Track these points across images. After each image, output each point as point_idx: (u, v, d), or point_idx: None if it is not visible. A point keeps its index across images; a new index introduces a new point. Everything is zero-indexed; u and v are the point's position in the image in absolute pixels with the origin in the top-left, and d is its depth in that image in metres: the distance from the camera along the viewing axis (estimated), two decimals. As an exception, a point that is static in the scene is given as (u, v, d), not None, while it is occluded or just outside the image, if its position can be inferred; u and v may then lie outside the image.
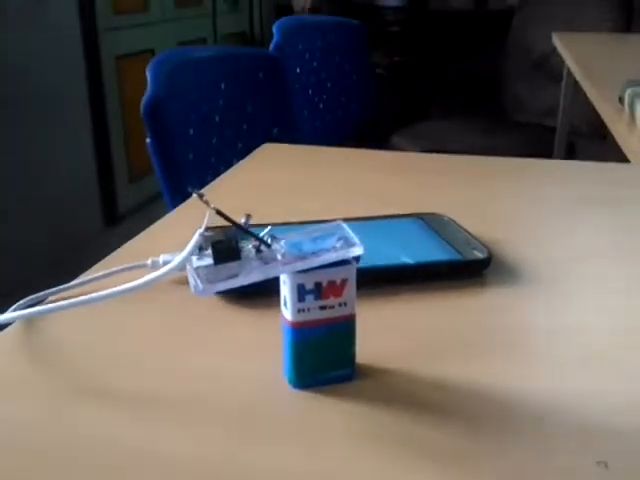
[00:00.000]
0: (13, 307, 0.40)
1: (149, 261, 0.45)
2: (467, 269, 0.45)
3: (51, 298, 0.43)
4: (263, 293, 0.41)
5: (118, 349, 0.38)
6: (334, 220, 0.47)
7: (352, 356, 0.35)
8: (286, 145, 0.76)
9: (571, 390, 0.35)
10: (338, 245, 0.33)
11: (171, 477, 0.29)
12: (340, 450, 0.30)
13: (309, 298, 0.33)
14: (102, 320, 0.41)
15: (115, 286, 0.37)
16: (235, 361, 0.37)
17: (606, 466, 0.29)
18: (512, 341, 0.39)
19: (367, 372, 0.36)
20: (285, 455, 0.30)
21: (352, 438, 0.31)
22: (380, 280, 0.44)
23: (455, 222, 0.51)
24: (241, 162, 0.71)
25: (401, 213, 0.53)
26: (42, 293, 0.42)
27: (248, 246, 0.33)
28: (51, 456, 0.30)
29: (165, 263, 0.45)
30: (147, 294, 0.43)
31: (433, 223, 0.51)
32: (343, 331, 0.35)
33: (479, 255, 0.45)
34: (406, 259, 0.45)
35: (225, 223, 0.34)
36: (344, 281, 0.33)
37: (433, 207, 0.55)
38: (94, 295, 0.36)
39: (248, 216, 0.34)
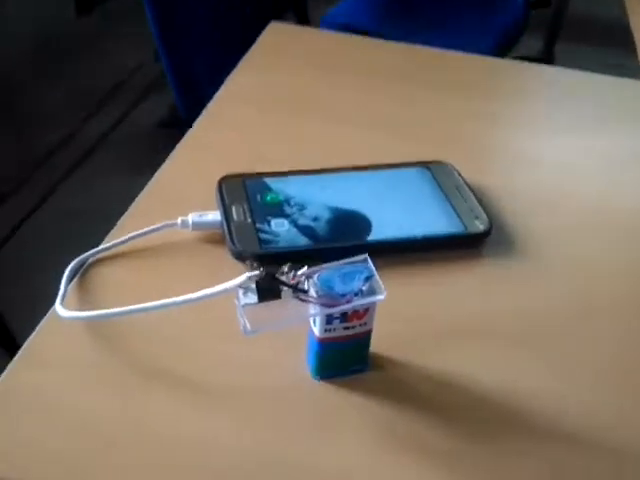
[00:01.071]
0: (65, 276, 0.45)
1: (179, 220, 0.49)
2: (468, 241, 0.50)
3: (90, 260, 0.47)
4: (289, 260, 0.45)
5: (165, 332, 0.43)
6: (344, 169, 0.51)
7: (367, 355, 0.42)
8: (292, 28, 0.75)
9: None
10: (364, 289, 0.38)
11: (209, 460, 0.36)
12: (352, 442, 0.38)
13: (336, 322, 0.39)
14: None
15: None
16: (263, 350, 0.42)
17: None
18: (511, 326, 0.45)
19: (377, 362, 0.42)
20: (304, 443, 0.37)
21: (362, 431, 0.38)
22: (385, 251, 0.48)
23: (458, 173, 0.55)
24: (245, 58, 0.70)
25: (407, 161, 0.56)
26: (82, 256, 0.47)
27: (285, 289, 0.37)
28: (119, 442, 0.37)
29: (195, 223, 0.49)
30: (183, 253, 0.47)
31: (438, 175, 0.54)
32: (362, 342, 0.41)
33: (480, 227, 0.50)
34: (412, 230, 0.49)
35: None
36: (366, 310, 0.38)
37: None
38: (168, 301, 0.41)
39: (291, 267, 0.38)
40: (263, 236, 0.48)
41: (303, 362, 0.41)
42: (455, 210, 0.51)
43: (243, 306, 0.37)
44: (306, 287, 0.37)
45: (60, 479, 0.35)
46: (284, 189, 0.52)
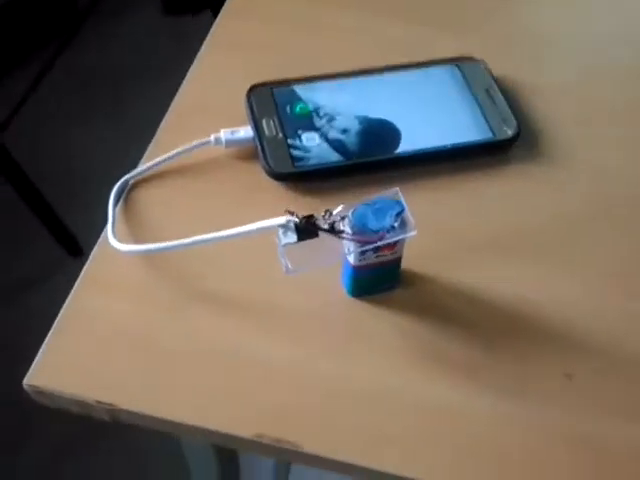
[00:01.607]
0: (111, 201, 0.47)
1: (212, 138, 0.50)
2: (497, 147, 0.51)
3: (131, 182, 0.49)
4: (322, 177, 0.49)
5: (209, 254, 0.45)
6: (373, 70, 0.51)
7: (398, 274, 0.45)
8: None
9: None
10: (396, 225, 0.40)
11: (245, 371, 0.40)
12: (381, 357, 0.41)
13: (369, 253, 0.41)
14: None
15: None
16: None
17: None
18: (537, 238, 0.47)
19: (408, 279, 0.45)
20: (336, 357, 0.41)
21: (392, 346, 0.42)
22: (414, 162, 0.50)
23: (489, 71, 0.54)
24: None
25: (438, 58, 0.55)
26: (123, 179, 0.49)
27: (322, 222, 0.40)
28: (178, 359, 0.41)
29: (227, 140, 0.50)
30: (219, 172, 0.49)
31: (468, 74, 0.54)
32: (393, 266, 0.44)
33: (508, 133, 0.51)
34: (440, 139, 0.50)
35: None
36: (397, 242, 0.41)
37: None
38: (211, 236, 0.43)
39: (325, 213, 0.40)
40: (295, 153, 0.49)
41: (338, 281, 0.44)
42: (484, 114, 0.52)
43: (284, 246, 0.39)
44: (341, 227, 0.39)
45: (125, 396, 0.39)
46: (312, 97, 0.52)
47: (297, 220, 0.39)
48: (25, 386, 0.39)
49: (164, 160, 0.49)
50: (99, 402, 0.39)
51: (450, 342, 0.42)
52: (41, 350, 0.41)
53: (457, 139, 0.50)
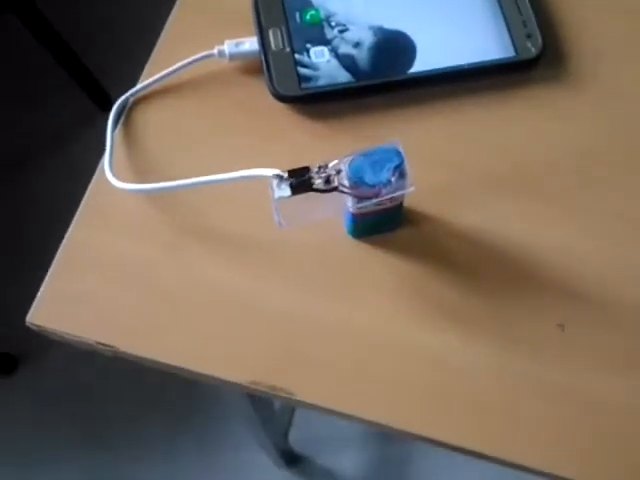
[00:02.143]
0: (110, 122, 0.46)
1: (215, 51, 0.48)
2: (519, 66, 0.48)
3: (132, 100, 0.48)
4: (330, 99, 0.46)
5: (209, 189, 0.44)
6: None
7: (400, 217, 0.44)
8: None
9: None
10: (393, 179, 0.39)
11: (254, 318, 0.41)
12: (377, 298, 0.42)
13: (366, 202, 0.40)
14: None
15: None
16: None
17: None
18: (550, 178, 0.45)
19: (412, 218, 0.44)
20: (334, 300, 0.42)
21: (391, 292, 0.42)
22: (428, 83, 0.47)
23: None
24: None
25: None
26: (124, 97, 0.47)
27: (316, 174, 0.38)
28: (174, 298, 0.42)
29: (231, 53, 0.48)
30: (222, 90, 0.48)
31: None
32: (394, 212, 0.43)
33: (532, 51, 0.47)
34: (458, 57, 0.47)
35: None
36: (396, 194, 0.40)
37: None
38: (205, 179, 0.42)
39: (320, 167, 0.38)
40: (302, 71, 0.47)
41: (340, 221, 0.43)
42: (507, 26, 0.48)
43: (277, 199, 0.38)
44: (336, 183, 0.38)
45: (125, 339, 0.41)
46: (325, 1, 0.49)
47: (291, 180, 0.38)
48: (28, 323, 0.41)
49: (165, 76, 0.47)
50: (100, 344, 0.41)
51: (445, 286, 0.42)
52: (42, 288, 0.42)
53: (475, 57, 0.47)
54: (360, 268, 0.42)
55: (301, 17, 0.48)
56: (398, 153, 0.39)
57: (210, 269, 0.42)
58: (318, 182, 0.38)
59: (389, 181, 0.38)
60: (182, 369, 0.40)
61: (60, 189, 1.02)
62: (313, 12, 0.48)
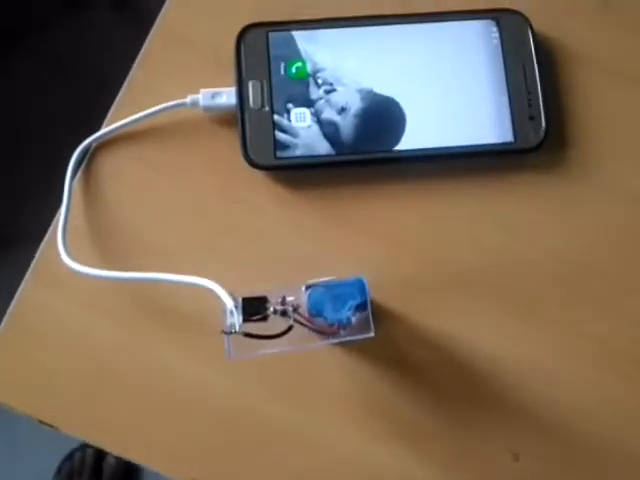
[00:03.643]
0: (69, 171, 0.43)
1: (188, 100, 0.44)
2: (516, 153, 0.44)
3: (94, 145, 0.44)
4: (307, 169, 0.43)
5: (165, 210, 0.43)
6: (392, 18, 0.43)
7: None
8: None
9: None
10: (354, 320, 0.37)
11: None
12: (331, 410, 0.41)
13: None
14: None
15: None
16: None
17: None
18: (530, 286, 0.42)
19: (375, 313, 0.42)
20: (278, 399, 0.41)
21: (345, 400, 0.41)
22: (414, 161, 0.44)
23: (531, 31, 0.44)
24: None
25: (475, 9, 0.45)
26: (87, 141, 0.44)
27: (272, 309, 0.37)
28: (117, 373, 0.41)
29: (205, 105, 0.44)
30: (192, 143, 0.44)
31: (506, 35, 0.44)
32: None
33: (531, 139, 0.43)
34: (449, 135, 0.43)
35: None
36: (355, 338, 0.38)
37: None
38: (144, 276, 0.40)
39: (284, 297, 0.36)
40: (280, 137, 0.43)
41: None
42: (510, 102, 0.44)
43: (229, 327, 0.37)
44: (294, 317, 0.37)
45: (66, 419, 0.41)
46: (314, 53, 0.44)
47: (241, 317, 0.36)
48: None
49: (131, 122, 0.44)
50: (42, 422, 0.41)
51: (403, 398, 0.42)
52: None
53: (468, 139, 0.43)
54: (316, 371, 0.42)
55: (286, 69, 0.44)
56: (362, 290, 0.37)
57: (162, 350, 0.42)
58: (274, 314, 0.36)
59: (349, 320, 0.37)
60: (123, 456, 0.41)
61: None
62: (300, 64, 0.44)
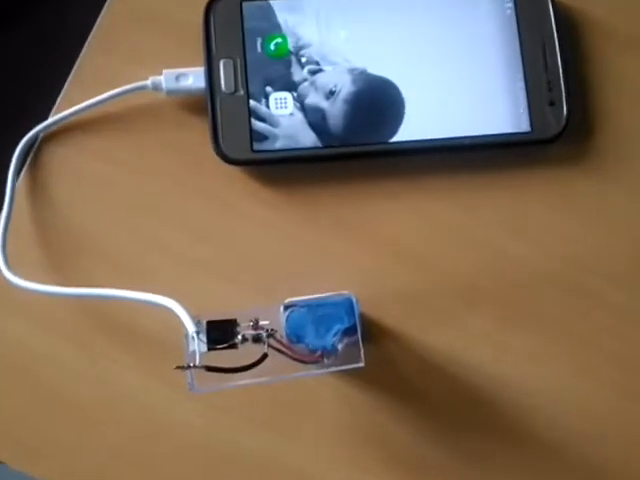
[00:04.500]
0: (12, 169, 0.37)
1: (149, 82, 0.38)
2: (532, 144, 0.38)
3: (42, 136, 0.38)
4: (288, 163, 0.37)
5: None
6: None
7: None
8: None
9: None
10: (340, 346, 0.31)
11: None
12: (318, 439, 0.35)
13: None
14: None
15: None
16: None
17: None
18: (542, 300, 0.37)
19: (368, 328, 0.37)
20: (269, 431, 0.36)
21: (334, 428, 0.36)
22: (412, 154, 0.38)
23: (555, 7, 0.38)
24: None
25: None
26: (33, 132, 0.38)
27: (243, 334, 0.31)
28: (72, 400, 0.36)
29: (169, 88, 0.38)
30: (154, 132, 0.38)
31: (524, 12, 0.38)
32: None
33: (550, 128, 0.37)
34: (454, 125, 0.37)
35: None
36: (341, 368, 0.32)
37: None
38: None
39: (256, 321, 0.30)
40: (257, 126, 0.37)
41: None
42: (527, 86, 0.37)
43: (190, 353, 0.31)
44: (266, 343, 0.30)
45: (14, 454, 0.36)
46: (297, 26, 0.38)
47: (209, 334, 0.30)
48: None
49: (84, 109, 0.38)
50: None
51: (397, 424, 0.36)
52: None
53: (477, 128, 0.37)
54: (301, 396, 0.36)
55: (263, 46, 0.37)
56: (351, 312, 0.31)
57: (121, 375, 0.36)
58: (242, 343, 0.30)
59: (334, 347, 0.31)
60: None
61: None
62: (279, 40, 0.37)
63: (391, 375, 0.36)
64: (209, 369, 0.28)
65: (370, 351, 0.33)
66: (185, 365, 0.28)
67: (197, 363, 0.28)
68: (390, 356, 0.36)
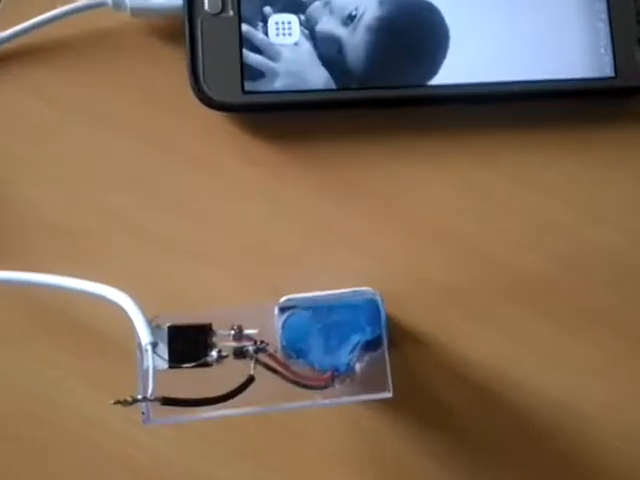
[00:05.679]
0: None
1: (109, -3, 0.28)
2: (614, 93, 0.29)
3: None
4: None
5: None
6: None
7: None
8: None
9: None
10: (359, 366, 0.22)
11: None
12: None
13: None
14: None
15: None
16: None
17: None
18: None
19: (397, 338, 0.28)
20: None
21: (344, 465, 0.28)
22: (459, 102, 0.29)
23: None
24: None
25: None
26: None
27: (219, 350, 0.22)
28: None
29: (134, 7, 0.29)
30: (116, 62, 0.29)
31: None
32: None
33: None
34: (514, 66, 0.28)
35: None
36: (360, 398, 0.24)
37: None
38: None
39: (239, 328, 0.21)
40: (251, 59, 0.28)
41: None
42: (610, 18, 0.29)
43: (144, 369, 0.22)
44: (251, 370, 0.22)
45: None
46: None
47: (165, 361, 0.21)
48: None
49: (23, 32, 0.29)
50: None
51: (425, 458, 0.28)
52: None
53: (543, 72, 0.28)
54: (294, 415, 0.27)
55: (261, -52, 0.28)
56: (375, 318, 0.22)
57: (64, 383, 0.27)
58: (219, 360, 0.22)
59: (350, 367, 0.22)
60: None
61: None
62: (283, -57, 0.28)
63: (417, 392, 0.28)
64: (166, 402, 0.19)
65: (391, 360, 0.24)
66: (130, 399, 0.19)
67: (150, 391, 0.19)
68: (417, 368, 0.28)
